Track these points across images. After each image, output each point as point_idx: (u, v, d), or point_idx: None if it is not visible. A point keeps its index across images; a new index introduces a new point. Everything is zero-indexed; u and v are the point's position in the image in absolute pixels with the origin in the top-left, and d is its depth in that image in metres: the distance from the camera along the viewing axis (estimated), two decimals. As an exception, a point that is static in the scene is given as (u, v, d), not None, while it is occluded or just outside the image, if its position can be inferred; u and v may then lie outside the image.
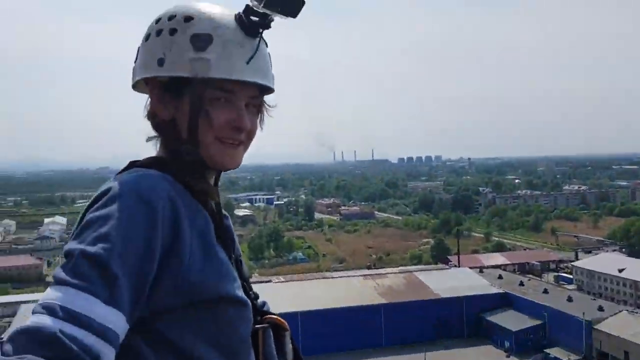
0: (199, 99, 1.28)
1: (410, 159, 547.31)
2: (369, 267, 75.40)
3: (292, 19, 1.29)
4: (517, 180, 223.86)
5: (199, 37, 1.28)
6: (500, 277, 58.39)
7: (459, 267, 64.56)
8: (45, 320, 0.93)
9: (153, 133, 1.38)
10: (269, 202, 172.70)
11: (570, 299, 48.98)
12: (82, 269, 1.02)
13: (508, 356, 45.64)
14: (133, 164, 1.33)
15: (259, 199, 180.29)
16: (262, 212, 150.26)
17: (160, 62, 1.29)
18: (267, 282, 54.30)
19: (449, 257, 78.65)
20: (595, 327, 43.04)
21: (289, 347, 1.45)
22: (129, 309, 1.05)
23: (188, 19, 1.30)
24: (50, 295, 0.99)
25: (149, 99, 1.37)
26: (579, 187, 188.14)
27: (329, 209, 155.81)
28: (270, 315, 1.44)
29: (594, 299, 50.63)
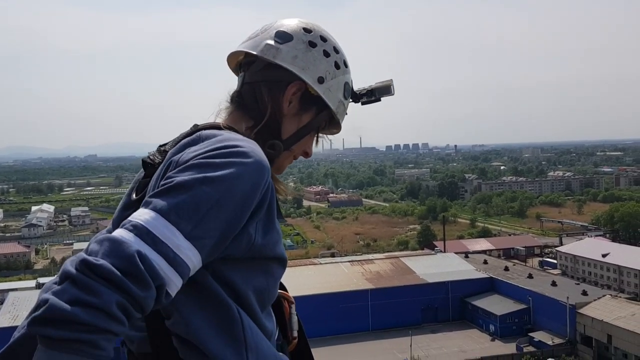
0: (319, 125, 1.57)
1: (397, 146, 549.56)
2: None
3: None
4: (502, 167, 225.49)
5: (348, 86, 1.62)
6: (485, 262, 59.07)
7: (445, 252, 65.18)
8: (130, 238, 1.06)
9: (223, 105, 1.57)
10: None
11: (554, 284, 49.68)
12: (177, 201, 1.14)
13: (493, 340, 46.34)
14: (205, 127, 1.46)
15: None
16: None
17: (321, 80, 1.53)
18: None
19: (435, 242, 79.09)
20: (579, 311, 43.69)
21: (295, 317, 1.68)
22: (207, 252, 1.18)
23: (346, 65, 1.61)
24: (142, 216, 1.12)
25: (269, 86, 1.51)
26: (563, 174, 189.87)
27: (317, 197, 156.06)
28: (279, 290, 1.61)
29: (578, 284, 51.28)
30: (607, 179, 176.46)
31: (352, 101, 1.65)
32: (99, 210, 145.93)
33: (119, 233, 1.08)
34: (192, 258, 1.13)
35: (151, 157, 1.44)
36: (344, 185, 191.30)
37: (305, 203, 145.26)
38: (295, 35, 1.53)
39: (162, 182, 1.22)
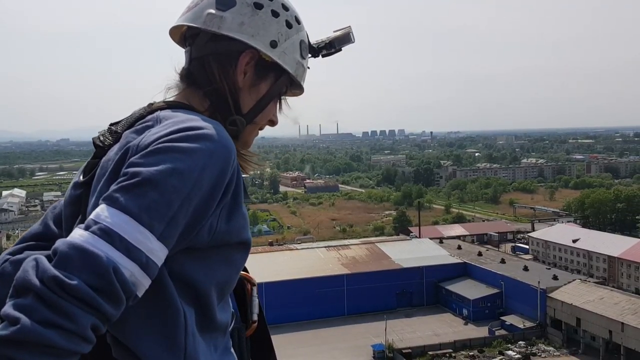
0: (279, 91, 1.44)
1: (374, 132, 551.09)
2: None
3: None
4: (477, 154, 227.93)
5: (304, 44, 1.48)
6: (459, 247, 59.84)
7: (420, 238, 65.80)
8: (102, 247, 0.98)
9: (174, 82, 1.43)
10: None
11: (526, 269, 50.59)
12: (148, 201, 1.04)
13: (466, 323, 47.18)
14: (166, 105, 1.33)
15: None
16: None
17: (273, 45, 1.39)
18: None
19: (410, 228, 79.82)
20: (549, 295, 44.69)
21: (256, 300, 1.53)
22: (172, 247, 1.10)
23: (299, 21, 1.46)
24: (109, 219, 1.02)
25: (217, 60, 1.37)
26: (536, 161, 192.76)
27: (294, 182, 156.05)
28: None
29: (549, 269, 52.36)
30: (578, 166, 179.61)
31: (312, 56, 1.52)
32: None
33: (88, 240, 0.98)
34: (162, 257, 1.07)
35: (102, 137, 1.32)
36: (320, 171, 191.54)
37: (282, 189, 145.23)
38: None
39: (125, 171, 1.09)
